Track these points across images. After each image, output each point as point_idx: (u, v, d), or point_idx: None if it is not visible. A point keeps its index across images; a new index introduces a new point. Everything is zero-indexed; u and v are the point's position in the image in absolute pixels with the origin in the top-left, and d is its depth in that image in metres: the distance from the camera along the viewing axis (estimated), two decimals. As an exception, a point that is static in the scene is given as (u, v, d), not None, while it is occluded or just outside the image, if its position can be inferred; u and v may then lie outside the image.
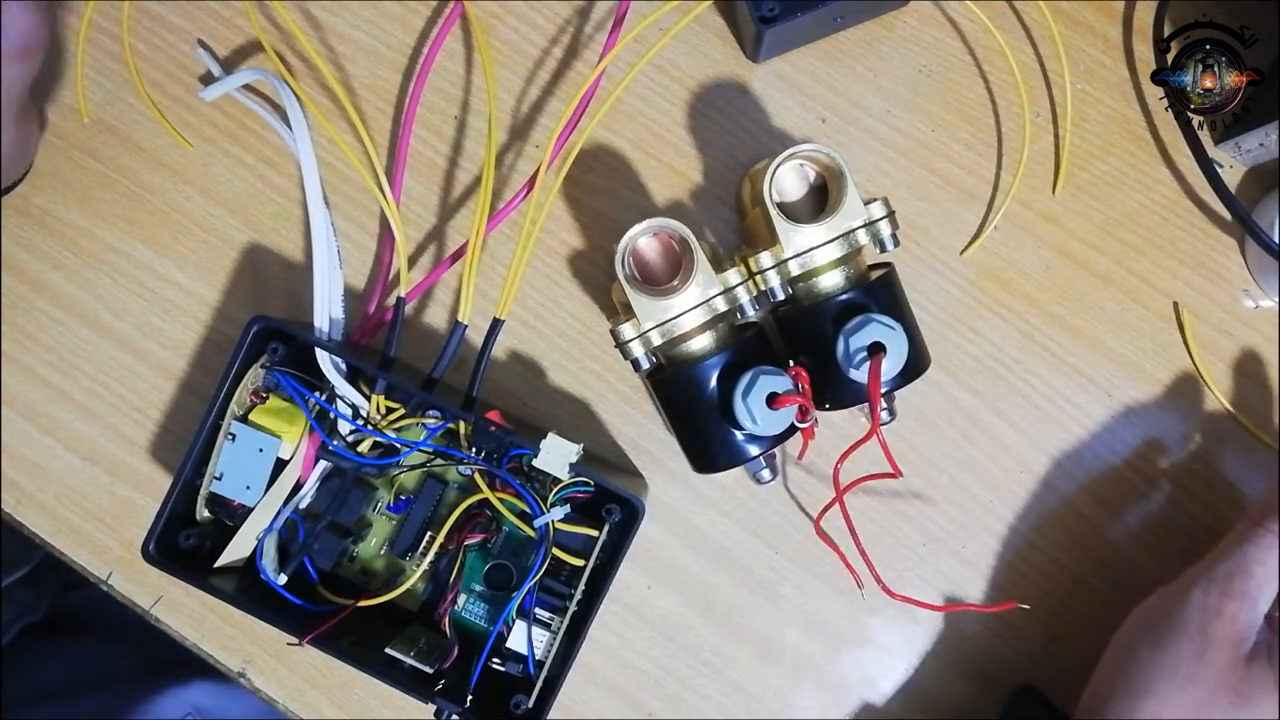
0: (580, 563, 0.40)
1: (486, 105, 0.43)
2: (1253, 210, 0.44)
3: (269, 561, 0.40)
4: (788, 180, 0.41)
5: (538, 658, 0.40)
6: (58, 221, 0.46)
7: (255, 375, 0.40)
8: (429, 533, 0.41)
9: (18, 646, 0.59)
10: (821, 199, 0.41)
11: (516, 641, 0.40)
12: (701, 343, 0.40)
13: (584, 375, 0.45)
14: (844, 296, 0.39)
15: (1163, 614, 0.37)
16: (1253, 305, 0.45)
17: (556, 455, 0.38)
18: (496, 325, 0.41)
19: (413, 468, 0.42)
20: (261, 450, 0.40)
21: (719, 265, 0.39)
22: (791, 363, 0.39)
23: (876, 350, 0.38)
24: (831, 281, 0.40)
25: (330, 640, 0.39)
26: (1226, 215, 0.44)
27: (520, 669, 0.40)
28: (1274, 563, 0.36)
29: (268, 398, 0.41)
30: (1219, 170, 0.43)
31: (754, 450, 0.40)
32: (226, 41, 0.46)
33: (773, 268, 0.39)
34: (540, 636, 0.40)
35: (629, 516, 0.39)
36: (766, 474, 0.42)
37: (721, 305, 0.39)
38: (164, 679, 0.60)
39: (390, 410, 0.41)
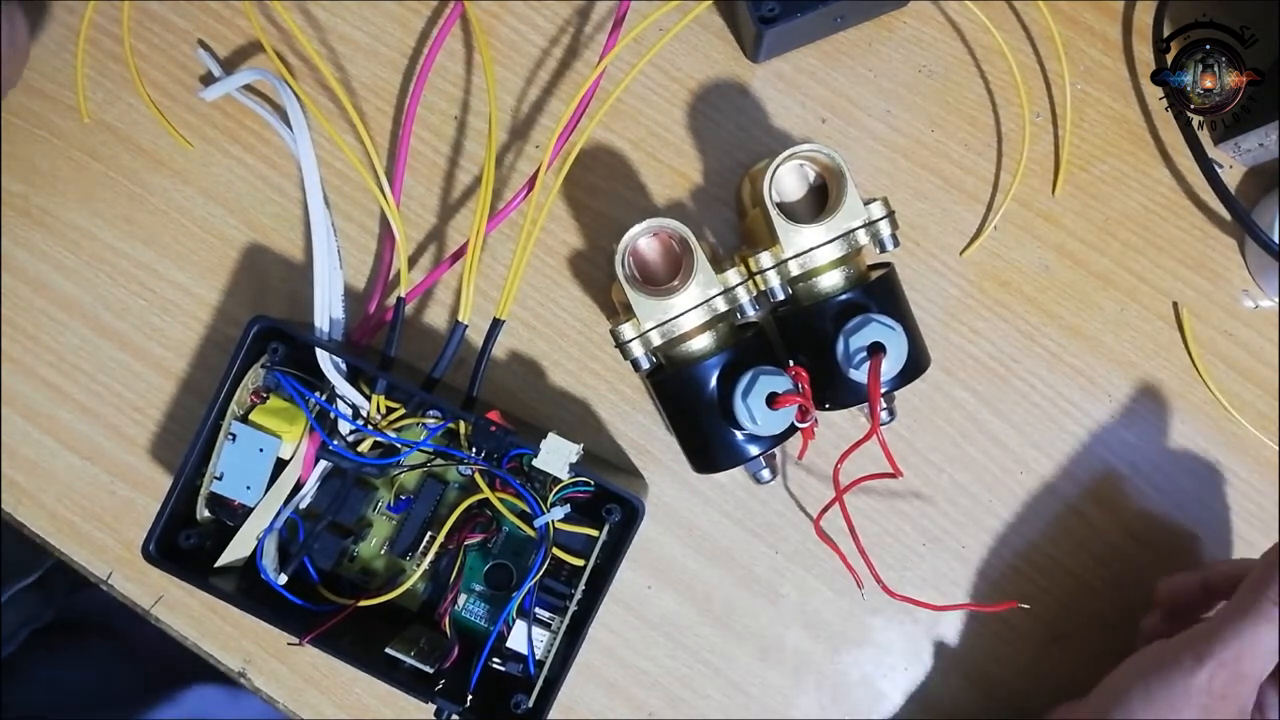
0: (580, 563, 0.40)
1: (486, 105, 0.43)
2: (1252, 210, 0.44)
3: (269, 561, 0.40)
4: (788, 180, 0.41)
5: (538, 658, 0.40)
6: (58, 221, 0.46)
7: (255, 375, 0.40)
8: (429, 533, 0.41)
9: (25, 651, 0.59)
10: (821, 199, 0.41)
11: (516, 641, 0.40)
12: (701, 343, 0.40)
13: (584, 375, 0.45)
14: (844, 296, 0.39)
15: (1162, 682, 0.36)
16: (1253, 305, 0.45)
17: (556, 455, 0.38)
18: (496, 325, 0.41)
19: (413, 468, 0.42)
20: (262, 450, 0.40)
21: (719, 265, 0.39)
22: (791, 363, 0.39)
23: (876, 350, 0.38)
24: (831, 281, 0.40)
25: (330, 640, 0.39)
26: (1226, 215, 0.44)
27: (520, 669, 0.40)
28: (1275, 640, 0.35)
29: (268, 398, 0.41)
30: (1219, 170, 0.43)
31: (754, 450, 0.40)
32: (226, 41, 0.46)
33: (773, 268, 0.39)
34: (540, 636, 0.40)
35: (629, 516, 0.39)
36: (766, 474, 0.42)
37: (721, 305, 0.39)
38: (166, 684, 0.60)
39: (390, 410, 0.41)
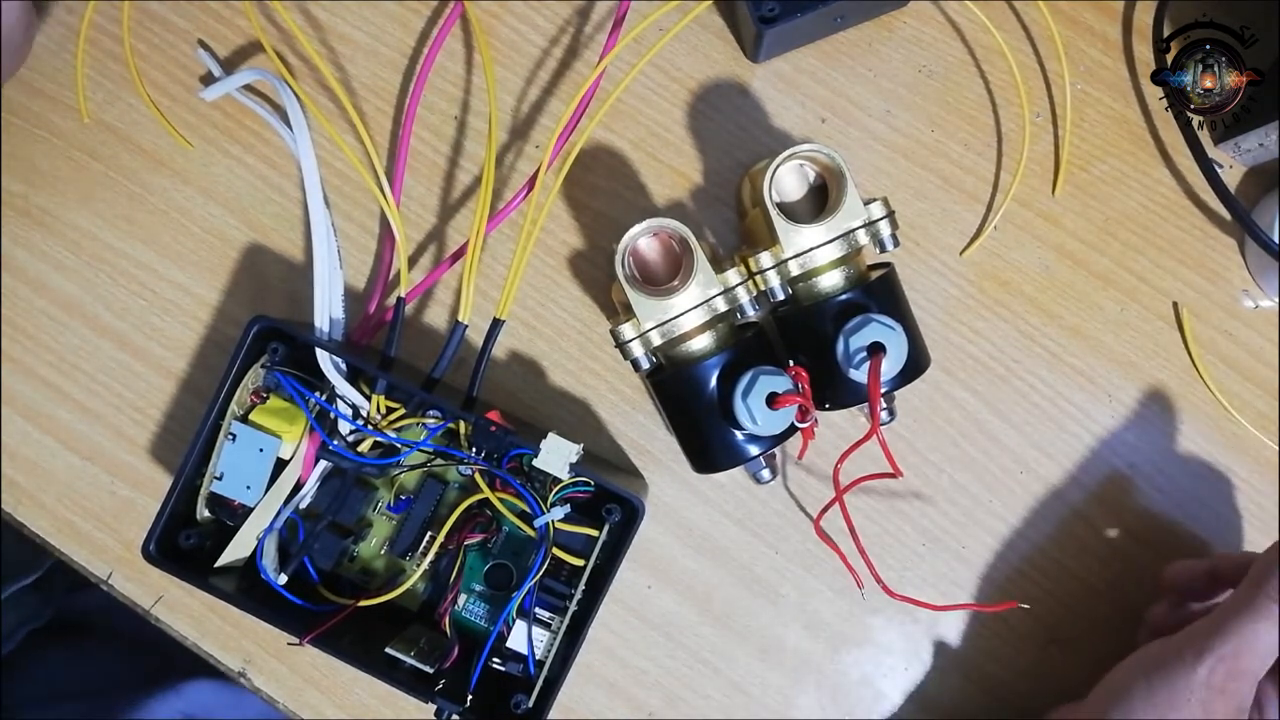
0: (580, 563, 0.40)
1: (486, 105, 0.43)
2: (1252, 210, 0.44)
3: (269, 561, 0.40)
4: (788, 180, 0.41)
5: (538, 658, 0.40)
6: (58, 221, 0.46)
7: (255, 375, 0.40)
8: (429, 533, 0.41)
9: (23, 651, 0.59)
10: (821, 199, 0.41)
11: (516, 641, 0.40)
12: (701, 343, 0.40)
13: (584, 375, 0.45)
14: (844, 296, 0.39)
15: (1163, 677, 0.36)
16: (1252, 305, 0.45)
17: (556, 455, 0.38)
18: (496, 325, 0.41)
19: (413, 468, 0.42)
20: (262, 450, 0.40)
21: (719, 265, 0.39)
22: (791, 363, 0.39)
23: (876, 350, 0.38)
24: (831, 281, 0.40)
25: (330, 640, 0.39)
26: (1226, 215, 0.44)
27: (520, 669, 0.40)
28: (1274, 636, 0.35)
29: (268, 398, 0.41)
30: (1219, 170, 0.43)
31: (754, 450, 0.40)
32: (226, 41, 0.46)
33: (773, 268, 0.39)
34: (540, 636, 0.40)
35: (629, 516, 0.39)
36: (766, 474, 0.42)
37: (721, 305, 0.39)
38: (160, 682, 0.60)
39: (390, 410, 0.41)
